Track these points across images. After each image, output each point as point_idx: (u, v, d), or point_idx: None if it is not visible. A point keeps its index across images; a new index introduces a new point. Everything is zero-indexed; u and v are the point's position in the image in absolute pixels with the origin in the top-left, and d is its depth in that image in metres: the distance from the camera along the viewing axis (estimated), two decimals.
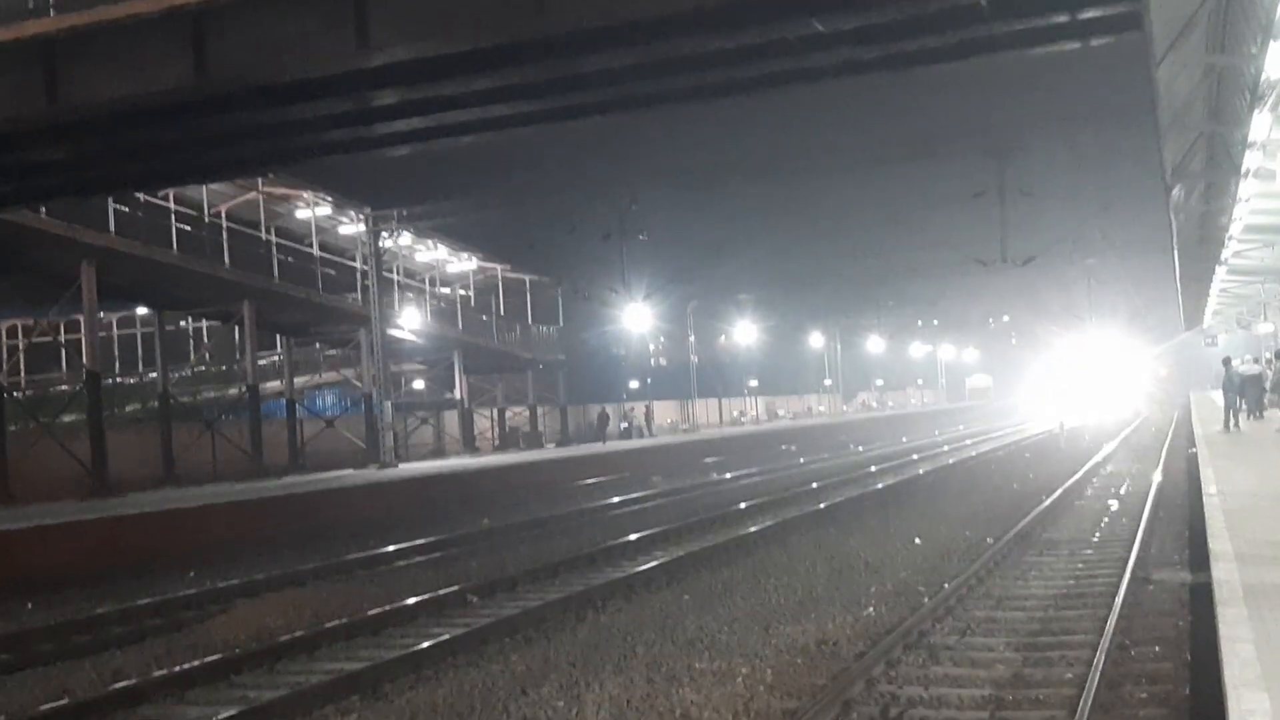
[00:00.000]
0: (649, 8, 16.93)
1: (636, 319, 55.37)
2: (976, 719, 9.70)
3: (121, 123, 21.40)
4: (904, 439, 63.00)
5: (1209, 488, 16.77)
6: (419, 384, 56.08)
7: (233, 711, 10.83)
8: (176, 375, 43.72)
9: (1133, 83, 15.04)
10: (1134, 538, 17.88)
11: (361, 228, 42.68)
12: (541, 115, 22.48)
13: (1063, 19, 17.67)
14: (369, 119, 22.53)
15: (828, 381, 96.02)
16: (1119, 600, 13.16)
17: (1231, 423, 30.10)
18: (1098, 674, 10.15)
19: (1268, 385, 32.61)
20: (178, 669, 12.70)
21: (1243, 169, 16.75)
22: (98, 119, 21.05)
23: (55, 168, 25.05)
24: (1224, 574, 9.85)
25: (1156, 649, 11.28)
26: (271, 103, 20.48)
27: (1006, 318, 71.90)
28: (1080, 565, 16.82)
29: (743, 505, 27.35)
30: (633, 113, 23.50)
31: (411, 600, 16.33)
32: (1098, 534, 19.92)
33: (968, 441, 56.66)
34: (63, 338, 43.93)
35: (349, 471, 38.81)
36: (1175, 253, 38.90)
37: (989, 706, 9.98)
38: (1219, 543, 11.49)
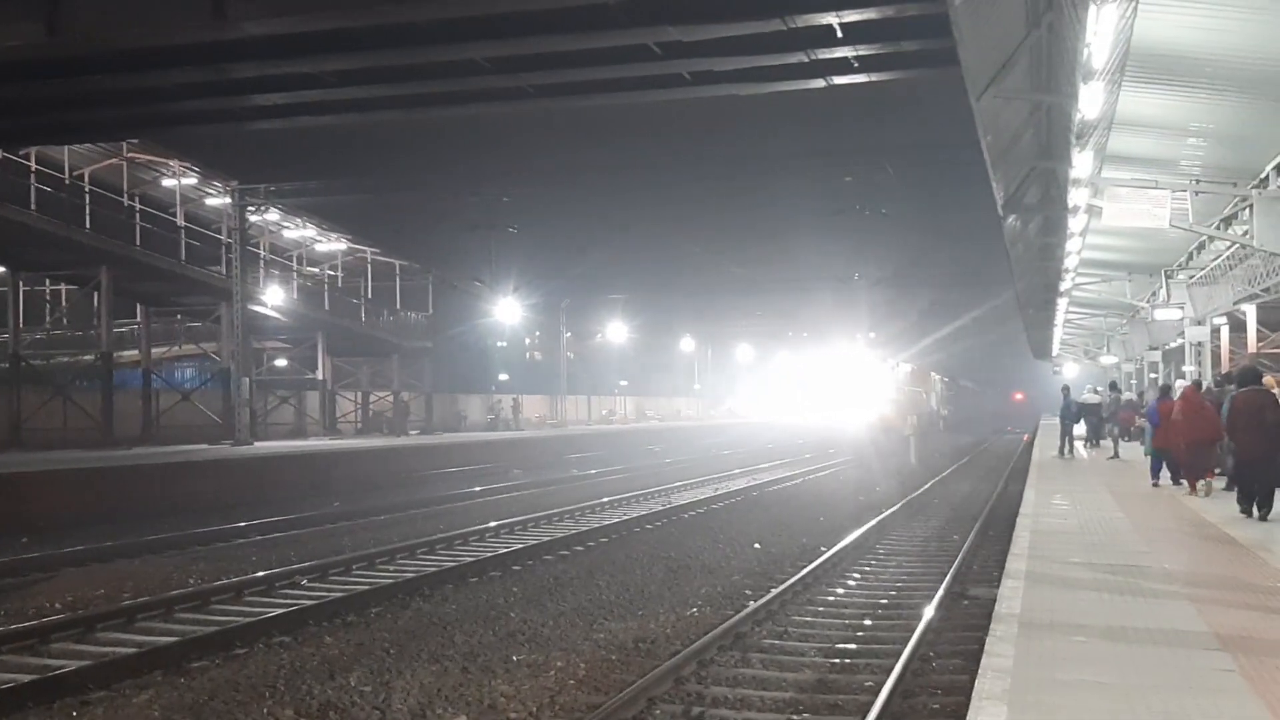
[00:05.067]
0: (504, 4, 17.03)
1: (506, 311, 55.37)
2: None
3: None
4: (768, 444, 63.66)
5: (1025, 509, 17.33)
6: (281, 362, 55.28)
7: (29, 679, 10.67)
8: (30, 338, 42.53)
9: (968, 113, 15.57)
10: (958, 554, 18.39)
11: (228, 200, 42.00)
12: (399, 101, 22.51)
13: (886, 50, 18.20)
14: (228, 91, 22.30)
15: (698, 386, 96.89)
16: (929, 613, 13.49)
17: (1067, 450, 31.02)
18: (893, 682, 10.40)
19: (1105, 415, 33.66)
20: None
21: (1070, 205, 17.35)
22: None
23: None
24: (1009, 591, 10.17)
25: (958, 661, 11.50)
26: (127, 68, 20.21)
27: (872, 334, 73.11)
28: (905, 577, 17.19)
29: (595, 502, 27.51)
30: (488, 106, 23.53)
31: (239, 578, 16.23)
32: (927, 548, 20.33)
33: (830, 451, 57.41)
34: None
35: (203, 446, 38.10)
36: (1014, 281, 40.07)
37: (788, 709, 10.14)
38: (1015, 563, 11.87)
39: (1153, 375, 41.64)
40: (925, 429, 60.88)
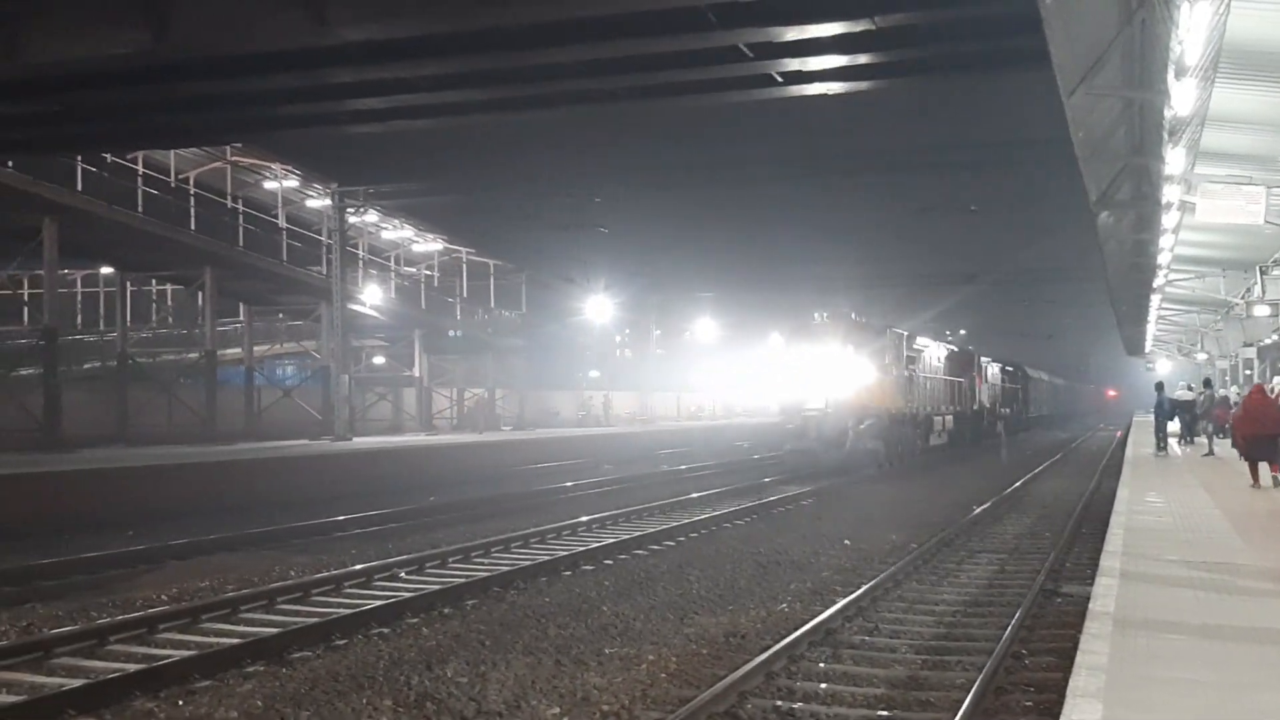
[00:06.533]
0: (596, 7, 17.23)
1: (597, 309, 55.82)
2: (865, 716, 9.89)
3: (80, 84, 21.58)
4: None
5: (1119, 506, 17.20)
6: (379, 360, 56.25)
7: (136, 669, 11.01)
8: (136, 336, 43.76)
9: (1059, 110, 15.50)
10: (1051, 550, 18.30)
11: (328, 202, 42.91)
12: (494, 104, 22.86)
13: (976, 49, 18.12)
14: (327, 96, 22.87)
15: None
16: (1023, 610, 13.46)
17: (1160, 446, 30.77)
18: (987, 680, 10.41)
19: (1199, 411, 33.25)
20: (93, 624, 12.88)
21: (1163, 201, 17.21)
22: (57, 79, 21.20)
23: (15, 124, 25.21)
24: (1103, 588, 10.16)
25: (1050, 659, 11.47)
26: (230, 73, 20.75)
27: (963, 331, 72.15)
28: (996, 573, 17.11)
29: (684, 497, 27.62)
30: (580, 108, 23.80)
31: (338, 570, 16.58)
32: (1020, 544, 20.21)
33: None
34: (25, 292, 43.95)
35: (303, 442, 38.96)
36: (1108, 278, 39.47)
37: (879, 705, 10.17)
38: (1109, 560, 11.83)
39: (1247, 371, 40.95)
40: (961, 431, 46.30)
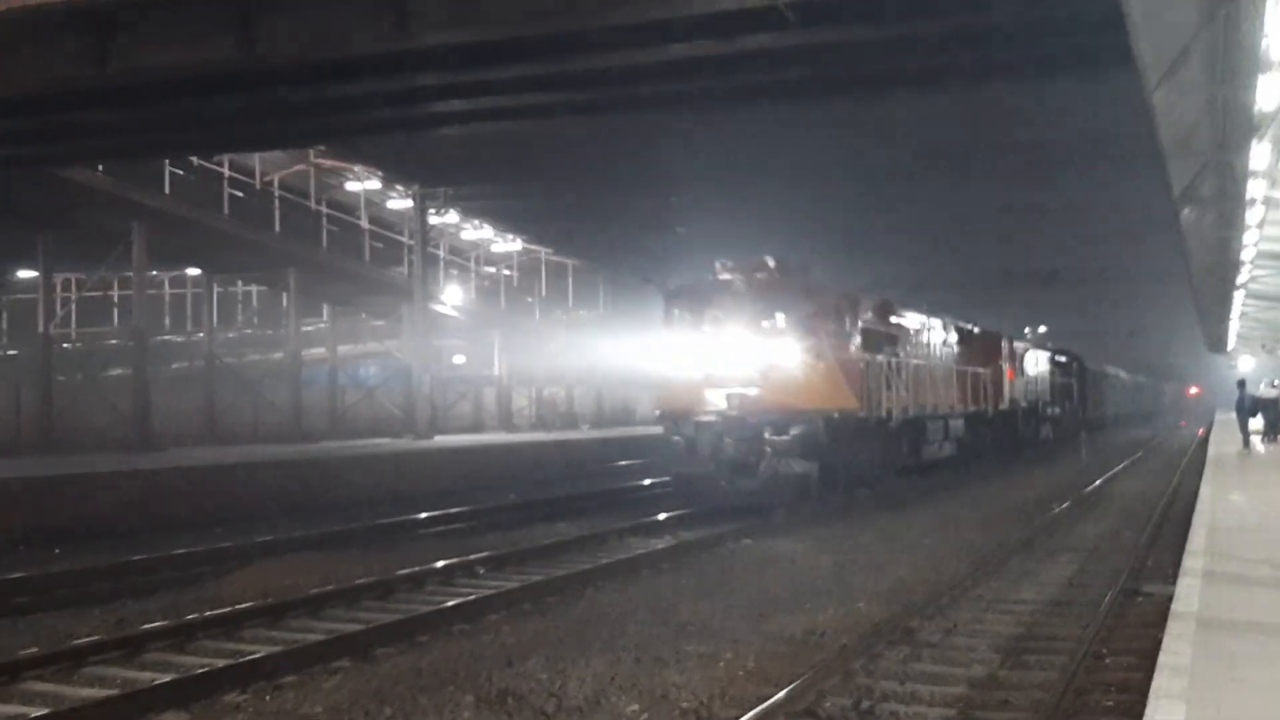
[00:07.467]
0: (671, 8, 17.33)
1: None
2: (945, 715, 9.85)
3: (169, 91, 22.04)
4: None
5: (1201, 505, 16.99)
6: (460, 359, 56.79)
7: (224, 664, 11.25)
8: (223, 337, 44.60)
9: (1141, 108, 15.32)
10: (1133, 549, 18.09)
11: (409, 203, 43.45)
12: (576, 106, 22.99)
13: (1057, 46, 17.96)
14: (411, 100, 23.14)
15: None
16: (1104, 609, 13.33)
17: (1243, 444, 30.41)
18: (1069, 680, 10.34)
19: None
20: (183, 620, 13.13)
21: (1247, 197, 17.02)
22: (146, 86, 21.70)
23: (106, 130, 25.85)
24: (1185, 589, 10.07)
25: (1132, 659, 11.36)
26: (316, 79, 21.08)
27: (1043, 328, 70.72)
28: (1077, 573, 16.95)
29: None
30: (662, 110, 23.89)
31: (420, 568, 16.75)
32: (1102, 544, 19.97)
33: None
34: (115, 294, 44.94)
35: (386, 440, 39.43)
36: (1190, 275, 38.80)
37: (959, 704, 10.12)
38: (1192, 560, 11.70)
39: None
40: (978, 439, 34.18)
